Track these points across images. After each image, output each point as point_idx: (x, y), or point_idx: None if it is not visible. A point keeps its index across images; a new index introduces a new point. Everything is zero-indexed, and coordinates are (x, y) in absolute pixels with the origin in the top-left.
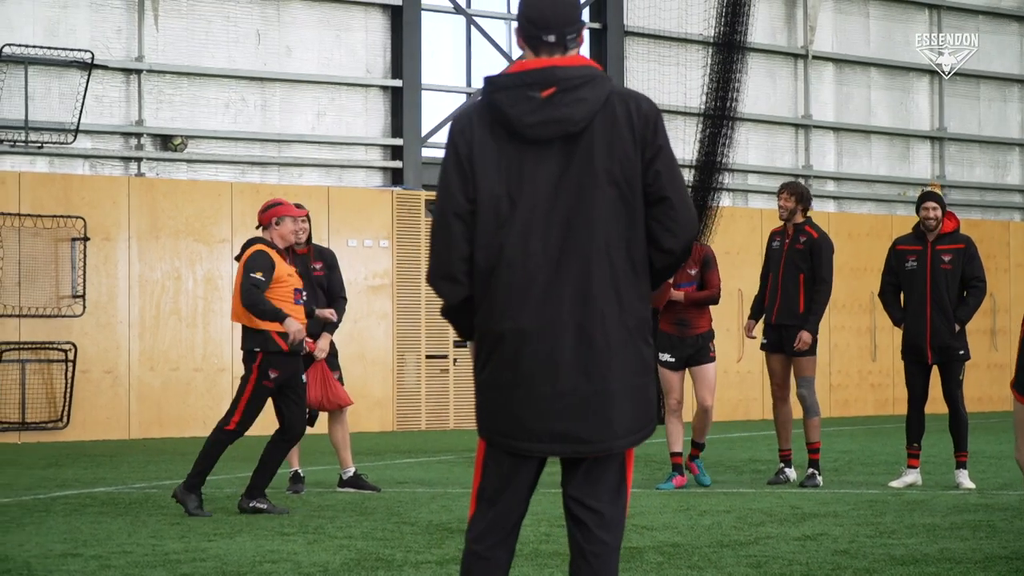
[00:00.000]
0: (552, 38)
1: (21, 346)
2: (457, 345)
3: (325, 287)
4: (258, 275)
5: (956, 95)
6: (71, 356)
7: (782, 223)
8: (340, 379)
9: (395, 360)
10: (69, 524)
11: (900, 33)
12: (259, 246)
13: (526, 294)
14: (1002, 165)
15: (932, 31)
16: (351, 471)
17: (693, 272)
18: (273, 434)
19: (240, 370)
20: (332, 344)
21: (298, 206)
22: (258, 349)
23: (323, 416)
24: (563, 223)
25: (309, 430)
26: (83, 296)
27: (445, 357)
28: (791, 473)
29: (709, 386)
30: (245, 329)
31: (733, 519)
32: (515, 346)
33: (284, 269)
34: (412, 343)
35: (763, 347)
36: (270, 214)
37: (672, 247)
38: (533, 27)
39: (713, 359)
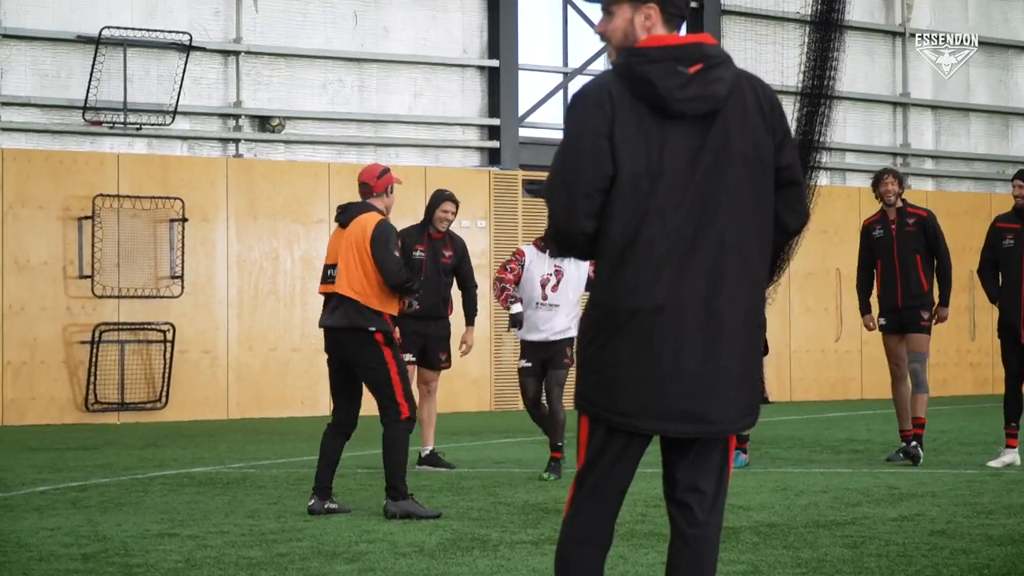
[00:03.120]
0: (689, 8)
1: (120, 327)
2: None
3: (451, 273)
4: (398, 253)
5: (992, 67)
6: (170, 337)
7: (879, 211)
8: (448, 361)
9: (492, 340)
10: (167, 504)
11: (998, 11)
12: (380, 218)
13: (660, 271)
14: None
15: None
16: (429, 449)
17: None
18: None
19: None
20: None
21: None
22: (373, 329)
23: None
24: (699, 201)
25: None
26: (181, 277)
27: None
28: (915, 451)
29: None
30: (355, 308)
31: (830, 499)
32: (647, 323)
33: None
34: (501, 321)
35: (883, 328)
36: (386, 180)
37: (796, 228)
38: (684, 2)
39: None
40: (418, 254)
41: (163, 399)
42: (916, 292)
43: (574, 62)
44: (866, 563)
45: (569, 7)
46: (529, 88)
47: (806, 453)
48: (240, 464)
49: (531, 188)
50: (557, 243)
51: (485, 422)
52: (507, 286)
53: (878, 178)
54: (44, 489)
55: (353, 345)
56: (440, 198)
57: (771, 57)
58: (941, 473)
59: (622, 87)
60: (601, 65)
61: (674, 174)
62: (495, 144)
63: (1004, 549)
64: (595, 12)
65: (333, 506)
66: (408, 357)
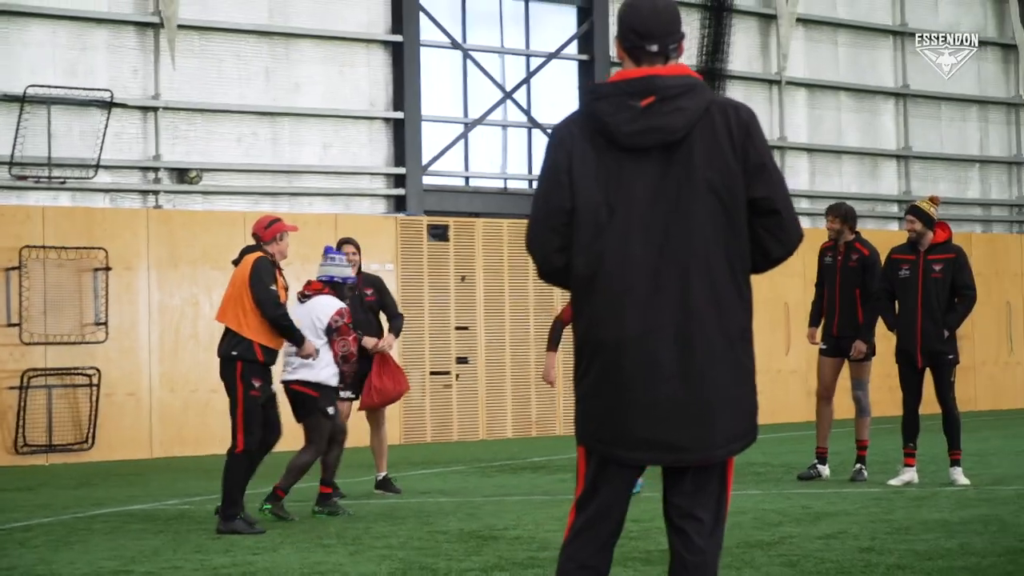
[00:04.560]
0: (655, 48)
1: (48, 372)
2: (459, 361)
3: (378, 310)
4: (273, 287)
5: (919, 116)
6: (95, 380)
7: (832, 240)
8: None
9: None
10: (113, 542)
11: (867, 58)
12: (260, 254)
13: (626, 302)
14: (963, 180)
15: (897, 57)
16: (382, 475)
17: None
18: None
19: None
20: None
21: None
22: (236, 355)
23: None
24: (662, 231)
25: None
26: (106, 323)
27: (448, 373)
28: (824, 470)
29: None
30: (229, 334)
31: (751, 520)
32: (616, 354)
33: (281, 283)
34: (417, 360)
35: (821, 351)
36: (274, 230)
37: (780, 256)
38: (636, 37)
39: None
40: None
41: (90, 440)
42: (852, 323)
43: (474, 113)
44: None
45: (468, 61)
46: (432, 138)
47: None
48: (174, 500)
49: (435, 233)
50: (540, 276)
51: (398, 454)
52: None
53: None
54: None
55: (222, 372)
56: (340, 243)
57: None
58: (847, 492)
59: (584, 123)
60: (499, 115)
61: (634, 206)
62: (401, 192)
63: (934, 563)
64: (492, 65)
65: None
66: (347, 394)
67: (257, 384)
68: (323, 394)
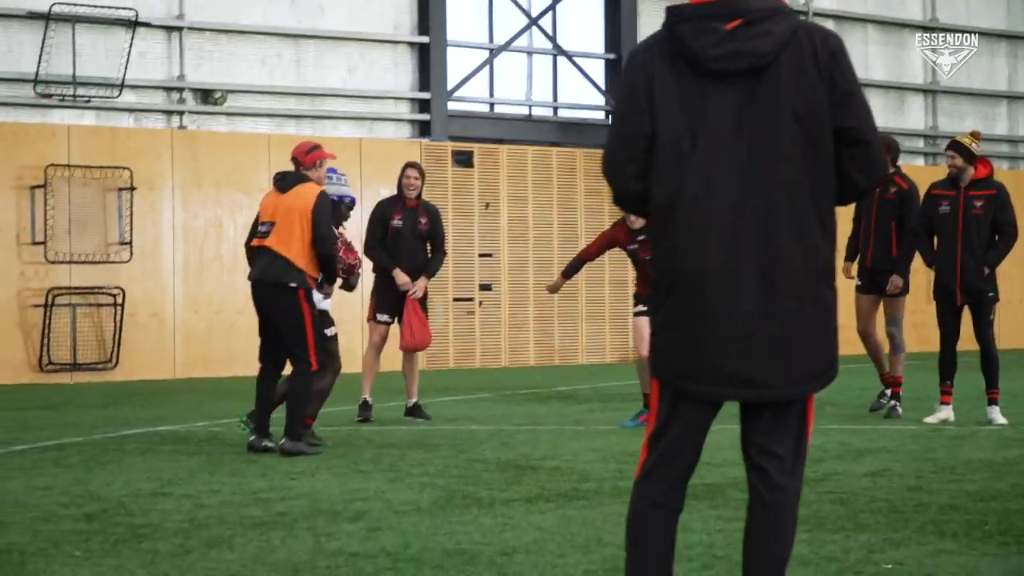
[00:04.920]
0: None
1: (72, 291)
2: (482, 288)
3: (427, 240)
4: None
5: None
6: (119, 300)
7: None
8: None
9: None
10: (147, 463)
11: None
12: (321, 188)
13: (707, 233)
14: (990, 117)
15: None
16: (413, 401)
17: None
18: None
19: None
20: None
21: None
22: (296, 285)
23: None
24: (746, 161)
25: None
26: (130, 243)
27: (471, 299)
28: (898, 408)
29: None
30: (280, 260)
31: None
32: (696, 286)
33: None
34: (440, 286)
35: (857, 288)
36: (314, 156)
37: (864, 187)
38: None
39: None
40: (396, 222)
41: (114, 360)
42: (887, 256)
43: (499, 38)
44: (862, 520)
45: None
46: (458, 63)
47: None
48: (203, 422)
49: (459, 159)
50: (615, 202)
51: (422, 380)
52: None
53: None
54: (21, 448)
55: (276, 298)
56: (404, 166)
57: None
58: (884, 429)
59: (664, 46)
60: (524, 42)
61: (717, 133)
62: (426, 117)
63: (986, 505)
64: None
65: (270, 444)
66: (384, 318)
67: (314, 303)
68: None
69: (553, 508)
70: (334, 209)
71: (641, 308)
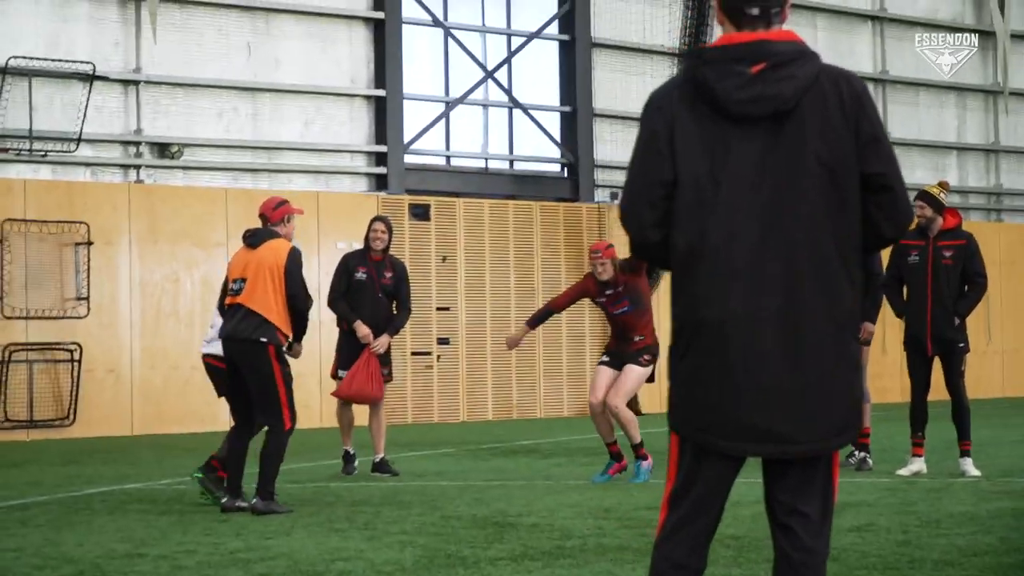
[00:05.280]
0: (756, 11)
1: (29, 347)
2: (440, 342)
3: (392, 295)
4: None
5: (897, 102)
6: (76, 356)
7: None
8: (389, 375)
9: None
10: (117, 522)
11: (846, 43)
12: (290, 244)
13: (729, 281)
14: (940, 167)
15: (875, 42)
16: (380, 456)
17: (621, 289)
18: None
19: None
20: (389, 347)
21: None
22: (267, 340)
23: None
24: (769, 207)
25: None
26: (87, 298)
27: (429, 353)
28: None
29: (621, 386)
30: (251, 316)
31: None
32: (717, 336)
33: None
34: (398, 340)
35: None
36: (282, 211)
37: (891, 236)
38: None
39: (643, 364)
40: (360, 275)
41: (71, 416)
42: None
43: (455, 91)
44: None
45: (450, 39)
46: (414, 116)
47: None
48: (167, 480)
49: (416, 212)
50: (633, 252)
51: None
52: None
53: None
54: None
55: (247, 355)
56: (372, 220)
57: (639, 88)
58: (859, 482)
59: (685, 90)
60: (480, 95)
61: (740, 179)
62: (383, 170)
63: (983, 559)
64: (474, 44)
65: (243, 504)
66: (344, 374)
67: (286, 360)
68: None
69: (540, 567)
70: None
71: (605, 358)
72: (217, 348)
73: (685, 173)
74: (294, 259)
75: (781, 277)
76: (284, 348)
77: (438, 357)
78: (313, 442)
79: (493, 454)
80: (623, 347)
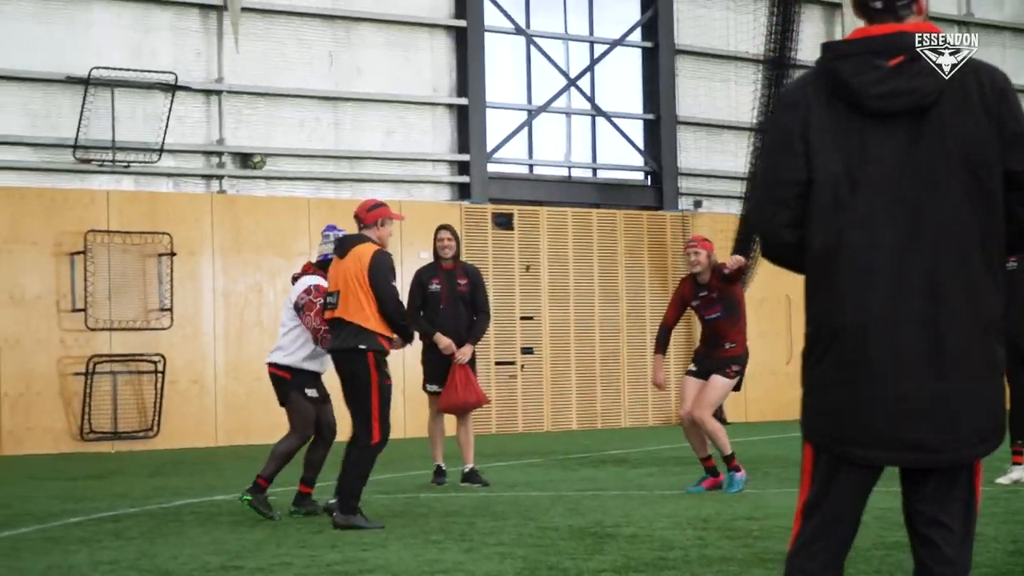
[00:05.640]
0: (879, 4)
1: (113, 358)
2: (524, 352)
3: (469, 301)
4: (394, 283)
5: None
6: (160, 367)
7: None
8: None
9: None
10: (209, 534)
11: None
12: (377, 247)
13: (869, 286)
14: None
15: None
16: (469, 466)
17: (715, 295)
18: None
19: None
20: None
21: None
22: (367, 347)
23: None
24: (910, 207)
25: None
26: (170, 309)
27: (513, 363)
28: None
29: (705, 397)
30: (349, 327)
31: (872, 519)
32: (856, 342)
33: None
34: (482, 350)
35: None
36: (376, 214)
37: None
38: None
39: (729, 376)
40: (434, 287)
41: (155, 427)
42: None
43: (537, 99)
44: None
45: (532, 47)
46: (496, 125)
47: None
48: None
49: (499, 221)
50: (765, 255)
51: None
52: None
53: None
54: (77, 520)
55: (349, 363)
56: (437, 229)
57: (723, 94)
58: None
59: (820, 85)
60: (563, 103)
61: (878, 178)
62: (465, 179)
63: None
64: (556, 51)
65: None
66: (433, 388)
67: (388, 373)
68: (295, 376)
69: None
70: (326, 269)
71: (692, 367)
72: (277, 357)
73: (820, 172)
74: (376, 264)
75: (923, 280)
76: (386, 353)
77: (522, 367)
78: (400, 452)
79: (582, 464)
80: (712, 353)
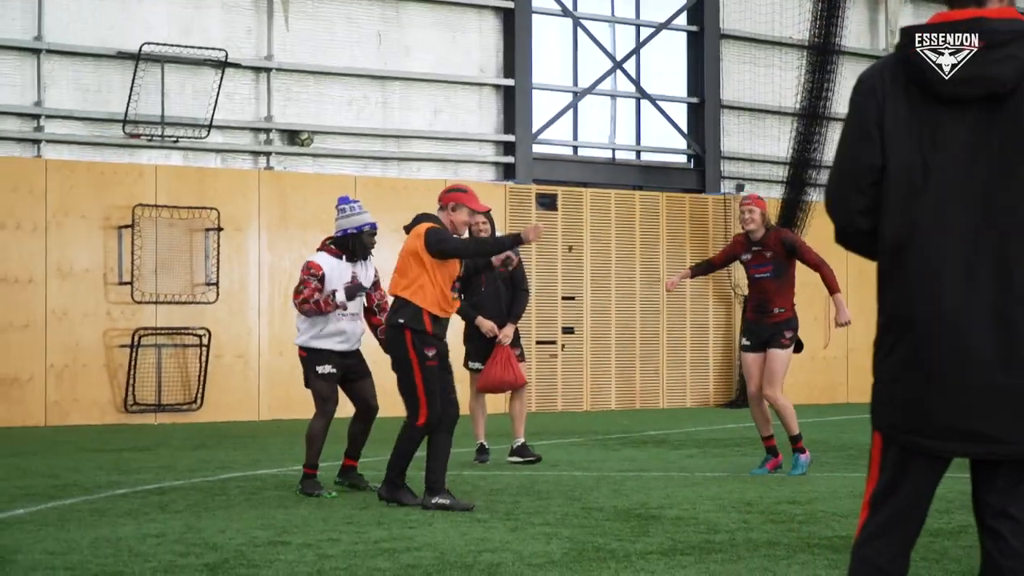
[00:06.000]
0: None
1: (158, 331)
2: (565, 332)
3: (507, 282)
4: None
5: None
6: (205, 341)
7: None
8: (521, 355)
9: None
10: (256, 509)
11: None
12: (431, 225)
13: (939, 275)
14: None
15: None
16: (520, 441)
17: (769, 255)
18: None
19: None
20: (516, 329)
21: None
22: (403, 322)
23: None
24: (983, 195)
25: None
26: (216, 284)
27: (554, 343)
28: None
29: (770, 374)
30: (396, 302)
31: None
32: (926, 332)
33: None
34: (523, 329)
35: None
36: (450, 197)
37: None
38: None
39: (784, 346)
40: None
41: (199, 401)
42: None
43: (584, 82)
44: None
45: (579, 30)
46: (542, 106)
47: (845, 457)
48: (300, 467)
49: (543, 201)
50: (838, 241)
51: (505, 424)
52: (313, 298)
53: None
54: (124, 491)
55: (389, 342)
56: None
57: (766, 79)
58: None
59: (897, 70)
60: (608, 85)
61: (952, 165)
62: (510, 159)
63: None
64: (603, 34)
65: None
66: (475, 365)
67: (430, 353)
68: (310, 355)
69: (693, 562)
70: (344, 245)
71: (745, 342)
72: (302, 340)
73: (894, 158)
74: (430, 235)
75: (995, 270)
76: (433, 332)
77: (562, 346)
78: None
79: (623, 444)
80: (762, 320)
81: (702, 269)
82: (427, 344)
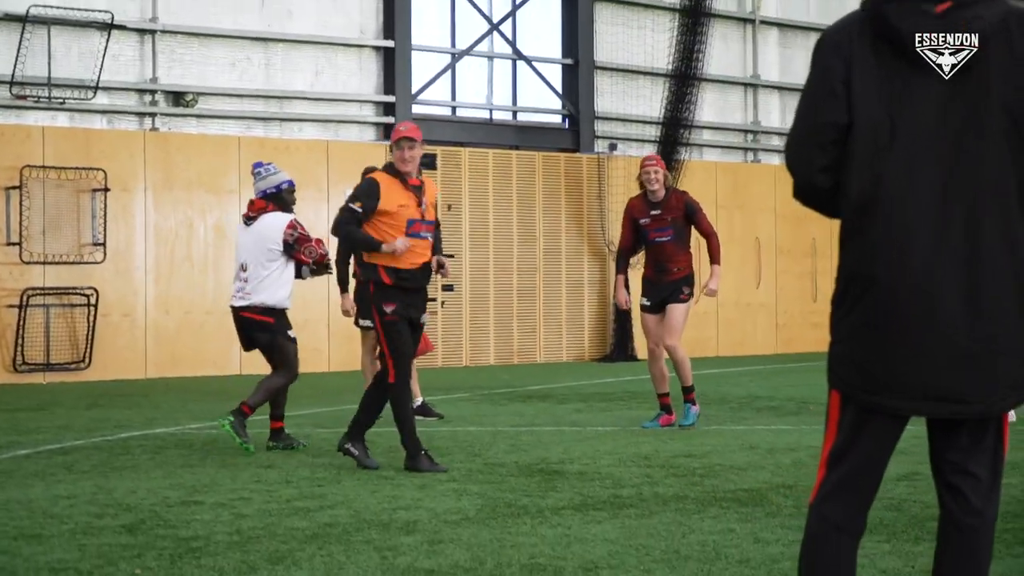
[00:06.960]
0: None
1: (46, 291)
2: (445, 289)
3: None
4: (356, 204)
5: None
6: (92, 300)
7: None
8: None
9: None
10: (162, 468)
11: (836, 1)
12: (372, 174)
13: (907, 233)
14: None
15: None
16: (419, 400)
17: (669, 219)
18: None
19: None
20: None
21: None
22: (367, 278)
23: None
24: (949, 156)
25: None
26: (104, 244)
27: (434, 300)
28: None
29: (670, 326)
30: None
31: (808, 457)
32: (890, 291)
33: (395, 199)
34: None
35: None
36: (392, 135)
37: None
38: None
39: (683, 301)
40: None
41: (87, 359)
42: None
43: (461, 43)
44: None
45: None
46: (421, 67)
47: (727, 410)
48: (196, 425)
49: (423, 161)
50: (797, 198)
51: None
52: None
53: None
54: (26, 452)
55: (362, 299)
56: (363, 172)
57: (641, 41)
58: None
59: (865, 27)
60: (486, 47)
61: (920, 124)
62: (390, 120)
63: None
64: None
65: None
66: (366, 324)
67: (389, 309)
68: (279, 319)
69: (608, 518)
70: (278, 201)
71: (645, 302)
72: (259, 300)
73: (861, 116)
74: (354, 190)
75: (961, 230)
76: (394, 284)
77: (442, 303)
78: (328, 386)
79: (509, 399)
80: (662, 278)
81: (625, 262)
82: (387, 299)
